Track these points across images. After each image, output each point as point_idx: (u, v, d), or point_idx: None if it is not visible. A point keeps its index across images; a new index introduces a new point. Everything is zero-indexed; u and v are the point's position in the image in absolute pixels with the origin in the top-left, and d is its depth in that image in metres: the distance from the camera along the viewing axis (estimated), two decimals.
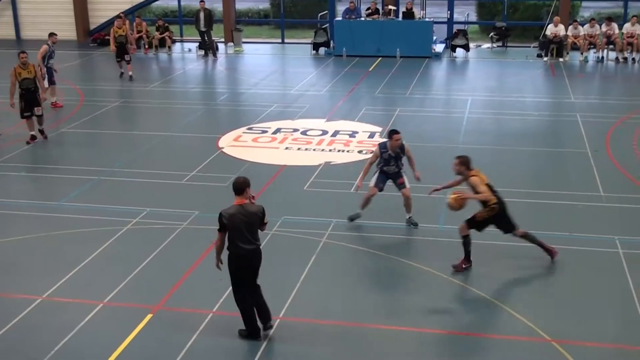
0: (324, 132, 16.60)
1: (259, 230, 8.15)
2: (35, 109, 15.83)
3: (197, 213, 11.93)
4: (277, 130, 16.73)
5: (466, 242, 9.99)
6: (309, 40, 27.95)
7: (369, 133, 16.51)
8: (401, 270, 10.05)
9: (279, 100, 19.75)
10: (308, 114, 18.21)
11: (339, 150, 15.26)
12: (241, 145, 15.73)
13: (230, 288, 8.35)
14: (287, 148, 15.47)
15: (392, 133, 11.25)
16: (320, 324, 8.71)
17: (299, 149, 15.40)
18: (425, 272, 9.93)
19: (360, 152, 15.15)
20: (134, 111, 19.12)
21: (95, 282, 9.73)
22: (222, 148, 15.53)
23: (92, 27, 29.60)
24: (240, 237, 7.95)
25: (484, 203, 9.76)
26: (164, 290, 9.42)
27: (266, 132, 16.67)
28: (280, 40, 29.92)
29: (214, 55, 26.16)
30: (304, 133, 16.47)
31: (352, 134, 16.44)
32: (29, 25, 29.90)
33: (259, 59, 26.90)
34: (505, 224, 9.97)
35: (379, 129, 16.71)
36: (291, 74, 24.05)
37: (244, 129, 16.95)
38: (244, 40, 28.37)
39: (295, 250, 10.68)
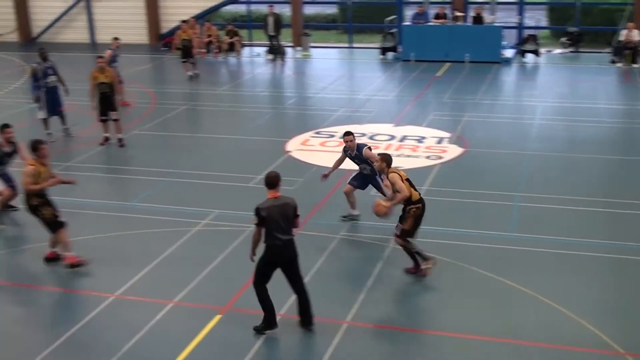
0: (392, 137, 16.52)
1: (294, 227, 8.45)
2: (111, 113, 16.20)
3: None
4: None
5: (407, 250, 9.88)
6: (377, 45, 27.88)
7: (437, 139, 16.36)
8: (469, 278, 9.91)
9: (347, 105, 19.76)
10: (376, 119, 18.16)
11: (406, 156, 15.16)
12: (308, 149, 15.79)
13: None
14: None
15: (344, 134, 11.63)
16: (385, 329, 8.67)
17: None
18: (497, 281, 9.77)
19: (427, 157, 15.03)
20: (204, 114, 19.41)
21: (165, 282, 9.91)
22: (290, 152, 15.61)
23: (163, 31, 30.18)
24: (277, 228, 8.32)
25: (407, 203, 9.63)
26: (232, 292, 9.52)
27: (333, 136, 16.69)
28: (347, 45, 29.94)
29: (283, 59, 26.37)
30: (371, 138, 16.43)
31: (420, 140, 16.32)
32: (103, 29, 30.66)
33: (327, 63, 26.98)
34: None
35: (447, 135, 16.55)
36: (359, 78, 24.05)
37: (311, 132, 17.02)
38: (311, 44, 28.50)
39: (362, 254, 10.65)
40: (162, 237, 11.41)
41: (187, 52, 22.98)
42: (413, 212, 9.68)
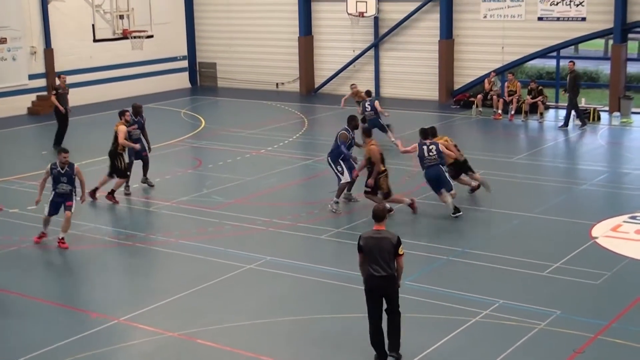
0: None
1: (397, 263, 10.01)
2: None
3: (559, 313, 11.59)
4: None
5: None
6: None
7: None
8: None
9: None
10: None
11: None
12: (621, 237, 15.05)
13: None
14: None
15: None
16: None
17: None
18: None
19: None
20: (495, 185, 19.24)
21: None
22: (596, 238, 14.98)
23: (456, 87, 30.76)
24: (374, 261, 9.97)
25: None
26: None
27: None
28: None
29: (582, 123, 25.47)
30: None
31: None
32: (389, 82, 31.98)
33: None
34: None
35: None
36: None
37: (625, 217, 16.18)
38: (634, 110, 27.28)
39: None
40: (432, 325, 11.46)
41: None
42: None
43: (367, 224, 15.66)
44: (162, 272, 14.23)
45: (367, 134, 16.73)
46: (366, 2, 30.70)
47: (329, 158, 17.20)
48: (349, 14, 31.09)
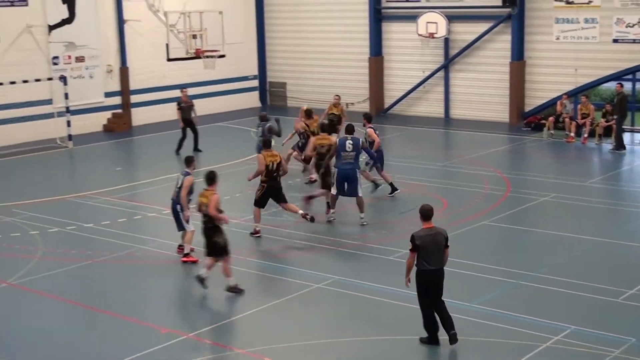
0: None
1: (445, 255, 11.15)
2: None
3: (634, 341, 11.33)
4: None
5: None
6: None
7: None
8: None
9: None
10: None
11: None
12: None
13: None
14: None
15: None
16: None
17: None
18: None
19: None
20: (568, 209, 18.93)
21: None
22: None
23: (527, 108, 30.39)
24: (429, 256, 10.99)
25: None
26: None
27: None
28: None
29: (618, 146, 24.81)
30: None
31: None
32: (459, 103, 31.78)
33: None
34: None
35: None
36: None
37: None
38: None
39: None
40: (501, 349, 11.32)
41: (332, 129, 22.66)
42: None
43: None
44: None
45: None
46: (437, 23, 30.63)
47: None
48: (419, 34, 31.03)
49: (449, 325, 11.20)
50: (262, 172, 16.46)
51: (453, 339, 11.15)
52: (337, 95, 25.39)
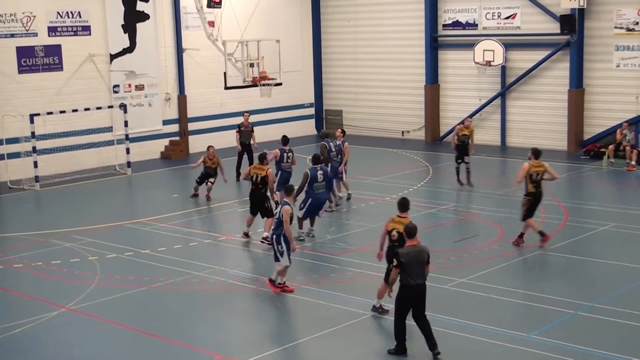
0: None
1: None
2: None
3: None
4: None
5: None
6: None
7: None
8: None
9: None
10: None
11: None
12: None
13: None
14: None
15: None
16: None
17: None
18: None
19: None
20: (628, 238, 18.56)
21: None
22: None
23: (585, 137, 29.97)
24: (412, 272, 11.68)
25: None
26: None
27: None
28: None
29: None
30: None
31: None
32: (515, 131, 31.47)
33: None
34: None
35: None
36: None
37: None
38: None
39: None
40: None
41: (461, 151, 23.32)
42: None
43: (491, 275, 15.45)
44: (284, 316, 14.31)
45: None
46: (493, 51, 30.44)
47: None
48: (476, 62, 30.88)
49: (432, 345, 11.78)
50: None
51: (433, 347, 11.79)
52: (469, 119, 25.63)
